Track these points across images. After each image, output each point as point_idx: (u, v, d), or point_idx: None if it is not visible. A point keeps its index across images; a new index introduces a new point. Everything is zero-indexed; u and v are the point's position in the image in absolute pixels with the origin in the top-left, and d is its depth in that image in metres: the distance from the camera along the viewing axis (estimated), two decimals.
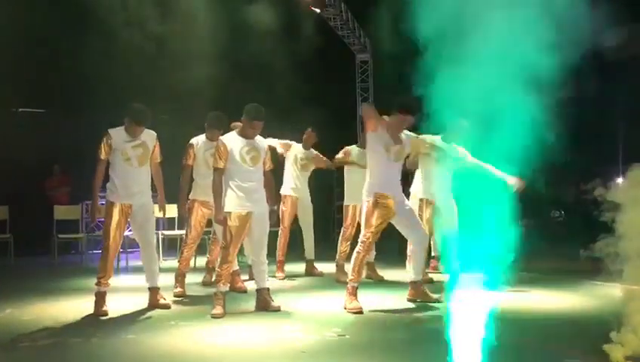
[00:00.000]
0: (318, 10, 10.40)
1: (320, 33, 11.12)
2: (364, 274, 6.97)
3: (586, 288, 6.18)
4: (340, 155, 7.03)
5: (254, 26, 10.31)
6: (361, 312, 5.00)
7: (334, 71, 11.64)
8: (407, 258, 6.00)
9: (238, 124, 5.90)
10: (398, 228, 5.36)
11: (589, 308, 5.30)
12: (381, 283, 6.69)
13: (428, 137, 6.06)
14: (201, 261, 7.28)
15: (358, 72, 12.42)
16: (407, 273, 5.73)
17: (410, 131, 5.43)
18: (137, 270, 6.85)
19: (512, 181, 5.83)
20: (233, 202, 5.01)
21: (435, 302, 5.34)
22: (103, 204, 5.94)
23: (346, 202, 6.99)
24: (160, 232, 8.63)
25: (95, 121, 9.38)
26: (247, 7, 10.04)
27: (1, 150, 9.73)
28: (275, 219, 5.51)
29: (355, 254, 5.25)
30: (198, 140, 6.06)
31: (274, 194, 5.33)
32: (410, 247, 5.48)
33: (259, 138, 5.21)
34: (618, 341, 3.43)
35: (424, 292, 5.45)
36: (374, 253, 6.94)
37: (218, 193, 5.00)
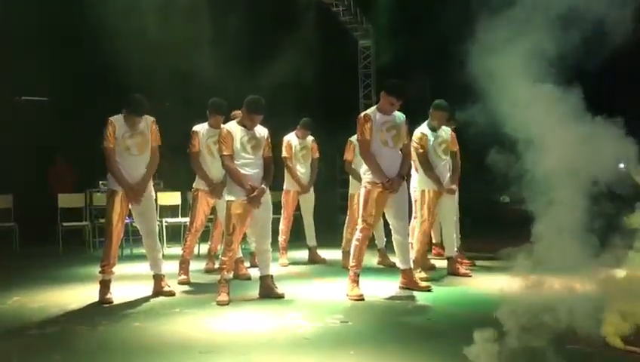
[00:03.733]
0: None
1: (321, 19, 11.11)
2: (375, 260, 7.06)
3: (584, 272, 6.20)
4: (347, 156, 6.99)
5: (254, 11, 10.32)
6: (362, 299, 5.05)
7: (336, 57, 11.61)
8: (410, 244, 6.05)
9: (238, 112, 5.94)
10: (386, 214, 5.39)
11: (589, 292, 5.32)
12: (390, 269, 6.59)
13: (415, 135, 6.10)
14: (205, 248, 7.33)
15: (360, 58, 12.38)
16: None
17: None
18: (141, 257, 6.91)
19: (450, 187, 6.20)
20: (236, 190, 5.05)
21: (425, 291, 5.37)
22: (104, 191, 5.97)
23: (351, 191, 7.01)
24: (163, 220, 8.68)
25: (97, 110, 9.44)
26: None
27: (5, 139, 9.76)
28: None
29: (354, 242, 5.29)
30: (202, 127, 6.07)
31: (269, 178, 5.25)
32: (393, 236, 5.45)
33: (259, 126, 5.23)
34: (609, 323, 3.50)
35: (414, 280, 5.49)
36: (385, 239, 6.94)
37: (237, 176, 5.00)
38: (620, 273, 3.75)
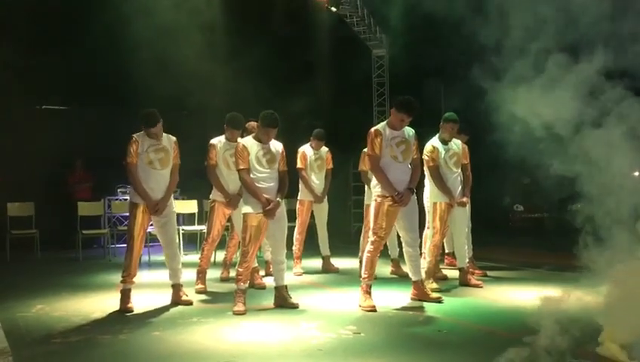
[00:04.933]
0: (334, 9, 10.50)
1: (336, 29, 11.26)
2: (388, 270, 7.19)
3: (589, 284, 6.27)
4: (363, 167, 7.12)
5: (271, 24, 10.49)
6: (374, 310, 5.17)
7: (350, 67, 11.76)
8: (422, 254, 6.17)
9: (253, 123, 6.11)
10: (396, 226, 5.52)
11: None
12: (402, 279, 6.67)
13: (426, 148, 6.26)
14: (221, 256, 7.48)
15: (374, 67, 12.51)
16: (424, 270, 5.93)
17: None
18: (160, 265, 7.09)
19: (462, 199, 6.27)
20: (252, 203, 5.20)
21: (436, 302, 5.48)
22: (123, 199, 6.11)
23: (366, 201, 7.13)
24: (180, 228, 8.85)
25: (116, 117, 9.69)
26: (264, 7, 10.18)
27: (25, 147, 10.04)
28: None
29: (366, 254, 5.42)
30: (219, 140, 6.23)
31: (284, 191, 5.40)
32: (404, 249, 5.58)
33: (274, 141, 5.38)
34: (611, 337, 3.60)
35: (425, 291, 5.60)
36: (398, 249, 7.03)
37: (253, 190, 5.16)
38: (619, 283, 3.82)
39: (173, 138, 5.54)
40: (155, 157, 5.36)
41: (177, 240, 5.69)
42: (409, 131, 5.44)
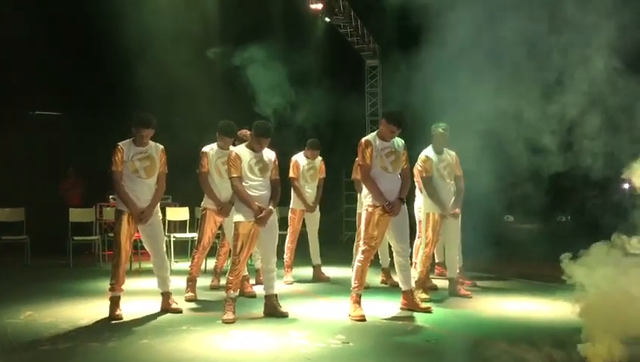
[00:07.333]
0: (327, 20, 10.57)
1: (329, 40, 11.32)
2: (379, 279, 7.20)
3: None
4: (356, 175, 7.13)
5: (264, 32, 10.52)
6: (364, 320, 5.18)
7: (343, 76, 11.81)
8: (413, 264, 6.20)
9: (245, 131, 6.14)
10: (387, 236, 5.55)
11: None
12: (393, 289, 6.70)
13: (420, 158, 6.33)
14: (212, 264, 7.47)
15: (367, 77, 12.58)
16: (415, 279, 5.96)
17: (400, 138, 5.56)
18: (149, 272, 7.05)
19: (454, 211, 6.31)
20: (244, 211, 5.21)
21: (425, 312, 5.50)
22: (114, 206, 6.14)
23: (359, 209, 7.15)
24: (172, 235, 8.84)
25: (108, 125, 9.67)
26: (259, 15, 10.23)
27: (17, 153, 10.03)
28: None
29: (356, 263, 5.44)
30: (212, 148, 6.24)
31: (276, 199, 5.43)
32: (395, 258, 5.60)
33: (266, 150, 5.41)
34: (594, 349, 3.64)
35: (415, 301, 5.62)
36: (389, 259, 7.04)
37: (245, 198, 5.18)
38: (602, 295, 3.85)
39: (161, 146, 5.52)
40: (141, 165, 5.35)
41: (165, 248, 5.66)
42: (398, 142, 5.48)
